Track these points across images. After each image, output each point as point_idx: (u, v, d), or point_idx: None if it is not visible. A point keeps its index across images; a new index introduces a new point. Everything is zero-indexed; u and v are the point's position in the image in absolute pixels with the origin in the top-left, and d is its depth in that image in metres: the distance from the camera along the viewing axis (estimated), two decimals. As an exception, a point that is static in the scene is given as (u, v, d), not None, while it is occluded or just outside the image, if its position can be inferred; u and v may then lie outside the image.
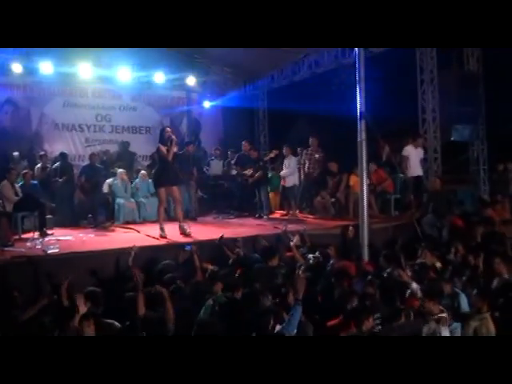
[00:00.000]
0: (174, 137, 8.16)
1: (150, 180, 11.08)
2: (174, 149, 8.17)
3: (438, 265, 6.16)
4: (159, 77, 13.13)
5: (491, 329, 4.43)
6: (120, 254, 6.51)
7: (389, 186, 10.85)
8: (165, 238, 7.79)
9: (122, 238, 8.31)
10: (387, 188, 10.83)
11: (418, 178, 10.75)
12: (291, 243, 7.24)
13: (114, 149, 13.00)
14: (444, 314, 4.47)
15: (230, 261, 6.76)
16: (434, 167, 11.19)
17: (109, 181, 10.63)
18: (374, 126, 8.24)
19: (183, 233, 8.08)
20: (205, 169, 12.18)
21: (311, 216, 10.91)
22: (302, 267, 6.04)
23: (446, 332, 4.41)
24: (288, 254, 7.14)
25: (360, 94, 8.09)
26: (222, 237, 7.31)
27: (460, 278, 5.74)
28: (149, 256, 6.74)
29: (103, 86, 13.06)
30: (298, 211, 11.13)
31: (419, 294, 4.81)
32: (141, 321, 4.56)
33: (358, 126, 8.03)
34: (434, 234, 9.06)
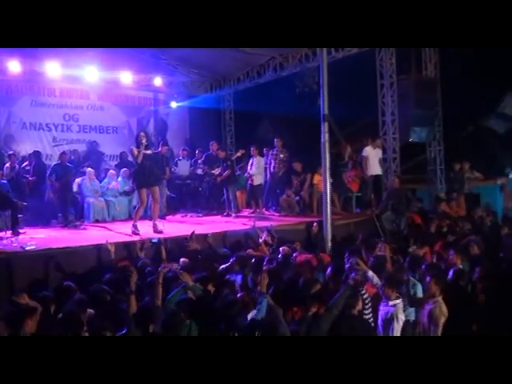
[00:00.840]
0: (143, 141, 8.49)
1: (119, 179, 11.33)
2: (147, 152, 8.51)
3: (396, 257, 6.63)
4: (126, 77, 13.16)
5: (444, 310, 4.89)
6: (99, 249, 6.73)
7: (355, 185, 11.40)
8: (138, 234, 8.06)
9: (95, 235, 8.48)
10: (352, 187, 11.38)
11: (377, 176, 11.35)
12: (260, 240, 7.63)
13: (81, 148, 13.07)
14: (399, 300, 4.91)
15: (200, 256, 7.04)
16: (393, 167, 11.73)
17: (78, 180, 10.77)
18: (337, 127, 8.66)
19: (156, 230, 8.37)
20: (172, 169, 12.41)
21: (277, 214, 11.31)
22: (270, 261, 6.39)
23: (401, 316, 4.86)
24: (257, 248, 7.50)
25: (323, 97, 8.48)
26: (193, 233, 7.62)
27: (418, 268, 6.18)
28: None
29: (71, 85, 13.05)
30: (264, 209, 11.52)
31: (375, 281, 5.24)
32: None
33: (321, 128, 8.42)
34: (393, 229, 9.59)
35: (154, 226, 8.48)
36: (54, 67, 11.77)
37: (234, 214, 10.92)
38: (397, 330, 4.78)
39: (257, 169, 11.59)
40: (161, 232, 8.28)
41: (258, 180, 11.59)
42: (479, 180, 12.31)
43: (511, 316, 4.82)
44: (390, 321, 4.78)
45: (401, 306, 4.85)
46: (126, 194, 11.17)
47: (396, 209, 9.99)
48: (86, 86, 13.09)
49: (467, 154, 12.82)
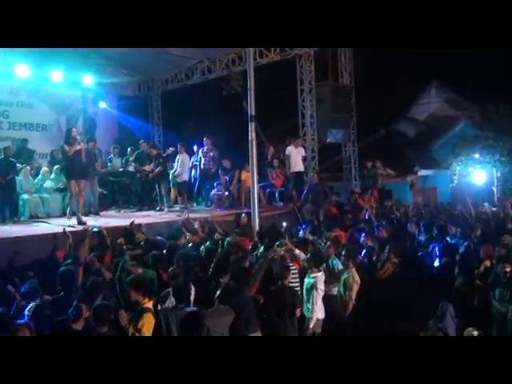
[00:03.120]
0: (78, 137, 9.03)
1: (52, 176, 11.56)
2: (78, 147, 9.02)
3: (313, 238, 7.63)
4: (56, 75, 13.11)
5: (356, 279, 5.99)
6: (52, 238, 7.16)
7: (278, 181, 12.43)
8: (84, 223, 8.58)
9: (39, 228, 8.79)
10: (276, 183, 12.39)
11: (298, 173, 12.43)
12: (195, 226, 8.41)
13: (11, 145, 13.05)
14: (320, 273, 5.87)
15: (142, 243, 7.63)
16: (312, 164, 12.91)
17: (12, 177, 10.90)
18: (260, 128, 9.53)
19: (80, 222, 8.80)
20: (108, 166, 12.72)
21: (208, 208, 12.04)
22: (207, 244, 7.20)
23: (321, 286, 5.81)
24: (193, 237, 8.20)
25: (250, 100, 9.32)
26: (132, 223, 8.18)
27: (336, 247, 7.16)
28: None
29: (1, 81, 12.93)
30: (194, 203, 12.23)
31: (302, 257, 6.21)
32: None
33: (249, 127, 9.25)
34: (312, 219, 10.66)
35: (78, 218, 8.93)
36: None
37: (166, 209, 11.46)
38: (316, 298, 5.73)
39: (181, 167, 12.16)
40: (85, 223, 8.71)
41: (182, 178, 12.21)
42: (391, 177, 13.63)
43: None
44: (310, 290, 5.76)
45: (321, 278, 5.81)
46: (60, 190, 11.41)
47: (315, 201, 11.07)
48: (16, 82, 13.06)
49: (379, 154, 14.10)
